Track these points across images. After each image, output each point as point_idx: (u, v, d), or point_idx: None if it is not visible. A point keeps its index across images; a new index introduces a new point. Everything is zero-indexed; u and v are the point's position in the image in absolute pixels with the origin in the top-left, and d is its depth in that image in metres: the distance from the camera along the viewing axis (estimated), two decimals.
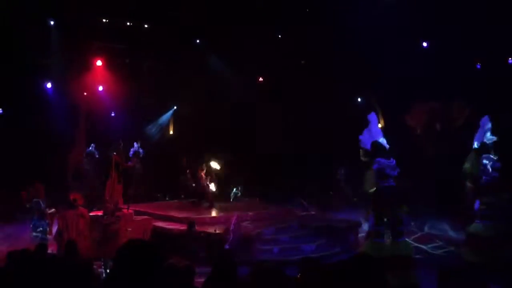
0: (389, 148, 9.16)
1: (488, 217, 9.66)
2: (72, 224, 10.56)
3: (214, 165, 15.32)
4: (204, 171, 14.82)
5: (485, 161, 9.88)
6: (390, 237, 8.83)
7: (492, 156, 9.93)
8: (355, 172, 16.46)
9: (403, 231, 9.06)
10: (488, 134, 10.09)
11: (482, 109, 11.06)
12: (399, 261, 8.43)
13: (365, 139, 9.15)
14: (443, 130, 15.25)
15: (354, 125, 9.74)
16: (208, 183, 14.56)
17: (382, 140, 9.17)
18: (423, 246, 11.10)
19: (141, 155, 16.35)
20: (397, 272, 8.04)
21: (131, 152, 15.98)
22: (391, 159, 8.97)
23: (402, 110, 15.79)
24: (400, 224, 8.87)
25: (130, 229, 10.91)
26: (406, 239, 9.51)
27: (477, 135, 10.17)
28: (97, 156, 15.82)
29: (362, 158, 9.15)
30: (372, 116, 9.24)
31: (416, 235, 11.73)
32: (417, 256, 9.67)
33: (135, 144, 16.26)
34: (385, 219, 8.73)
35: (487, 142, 10.03)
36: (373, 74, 15.23)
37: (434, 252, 10.94)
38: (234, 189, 16.25)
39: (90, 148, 15.95)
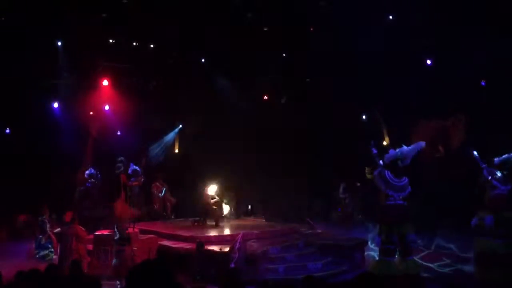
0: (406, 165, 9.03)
1: (497, 235, 9.44)
2: (64, 243, 10.53)
3: (212, 189, 14.91)
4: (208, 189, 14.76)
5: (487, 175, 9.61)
6: (399, 256, 8.77)
7: (493, 170, 9.66)
8: (357, 189, 16.52)
9: (412, 249, 8.99)
10: None
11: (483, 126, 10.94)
12: (408, 279, 8.36)
13: (392, 153, 9.03)
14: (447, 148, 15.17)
15: (356, 141, 9.70)
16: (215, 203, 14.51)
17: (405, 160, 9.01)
18: (430, 264, 10.99)
19: (139, 173, 15.87)
20: None
21: (129, 171, 15.63)
22: (404, 178, 8.90)
23: (408, 128, 15.76)
24: (408, 243, 8.81)
25: (135, 248, 10.90)
26: (414, 257, 9.45)
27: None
28: (99, 176, 15.59)
29: (368, 176, 9.14)
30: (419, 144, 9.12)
31: (423, 253, 11.63)
32: (425, 275, 9.57)
33: (131, 165, 15.81)
34: (393, 237, 8.68)
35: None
36: (377, 91, 15.28)
37: (442, 270, 10.82)
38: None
39: (89, 170, 15.51)
